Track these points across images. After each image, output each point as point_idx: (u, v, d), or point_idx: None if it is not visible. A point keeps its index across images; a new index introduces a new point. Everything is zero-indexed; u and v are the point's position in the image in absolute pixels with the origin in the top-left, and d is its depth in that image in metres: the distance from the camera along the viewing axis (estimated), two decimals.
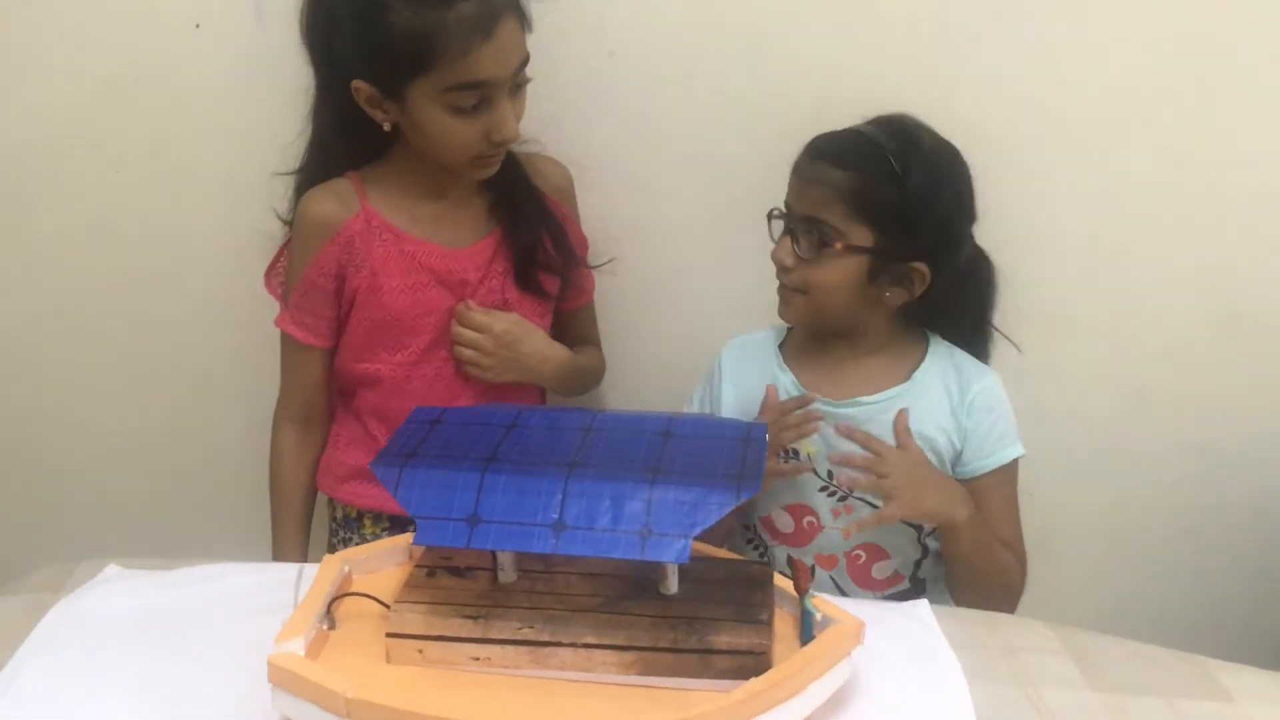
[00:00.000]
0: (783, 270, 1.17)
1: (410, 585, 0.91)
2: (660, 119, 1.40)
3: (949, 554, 1.21)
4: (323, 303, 1.29)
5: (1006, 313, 1.28)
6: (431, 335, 1.29)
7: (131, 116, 1.43)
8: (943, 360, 1.22)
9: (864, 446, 1.17)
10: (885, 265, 1.14)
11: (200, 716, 0.86)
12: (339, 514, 1.40)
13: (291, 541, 1.36)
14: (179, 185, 1.46)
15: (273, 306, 1.34)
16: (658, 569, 0.90)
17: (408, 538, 1.00)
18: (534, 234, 1.31)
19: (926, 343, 1.24)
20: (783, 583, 0.94)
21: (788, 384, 1.24)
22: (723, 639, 0.85)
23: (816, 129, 1.18)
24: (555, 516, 0.85)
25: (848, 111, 1.19)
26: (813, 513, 1.23)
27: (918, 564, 1.24)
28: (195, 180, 1.46)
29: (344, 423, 1.38)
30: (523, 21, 1.19)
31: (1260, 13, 1.30)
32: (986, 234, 1.21)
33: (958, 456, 1.21)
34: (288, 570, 1.03)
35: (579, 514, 0.85)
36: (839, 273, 1.14)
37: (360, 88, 1.19)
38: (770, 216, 1.20)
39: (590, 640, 0.85)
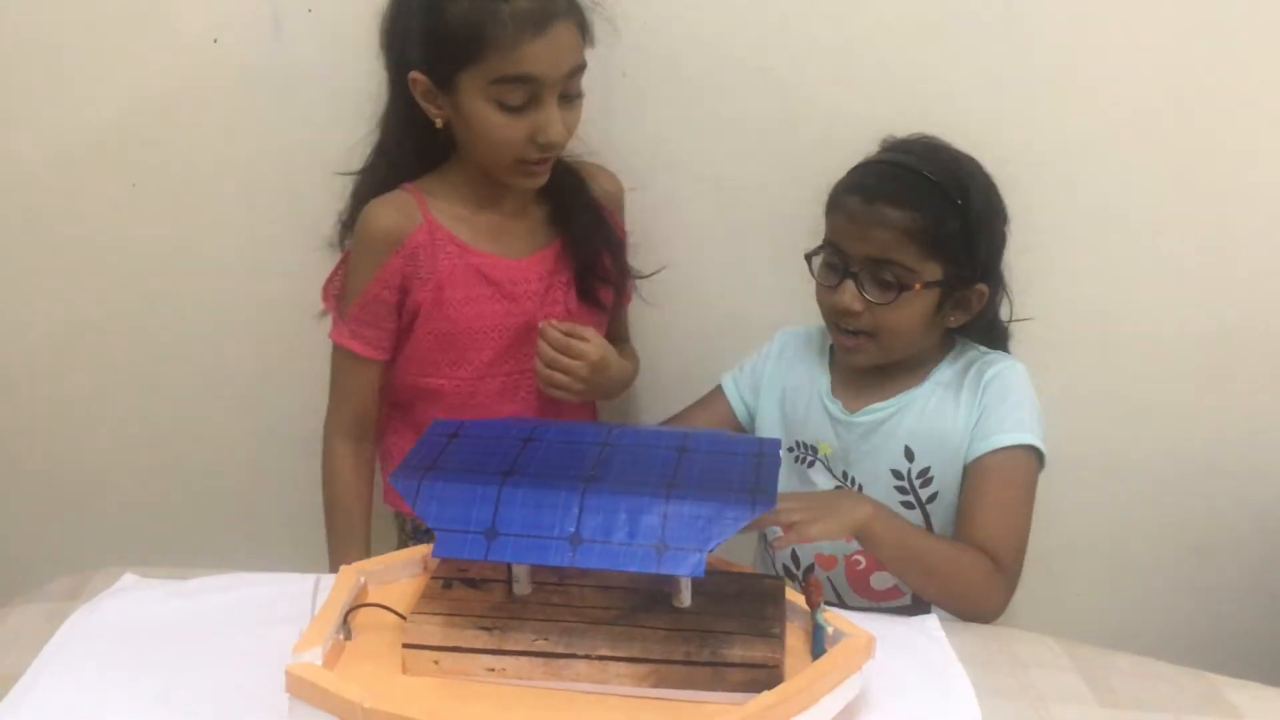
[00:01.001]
0: (849, 316, 1.15)
1: (426, 597, 0.92)
2: (673, 137, 1.41)
3: (886, 565, 1.13)
4: (384, 316, 1.27)
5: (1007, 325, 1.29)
6: (494, 350, 1.28)
7: (148, 129, 1.44)
8: (966, 358, 1.22)
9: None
10: (952, 293, 1.15)
11: None
12: (408, 527, 1.39)
13: (353, 555, 1.28)
14: (196, 197, 1.47)
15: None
16: (671, 582, 0.91)
17: (424, 549, 1.01)
18: (594, 247, 1.31)
19: (952, 344, 1.24)
20: (794, 597, 0.95)
21: (822, 388, 1.25)
22: (735, 652, 0.86)
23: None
24: (572, 530, 0.86)
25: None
26: None
27: None
28: (212, 191, 1.47)
29: (404, 436, 1.35)
30: (582, 29, 1.19)
31: (1264, 27, 1.31)
32: None
33: (969, 447, 1.18)
34: (304, 581, 1.04)
35: (595, 528, 0.86)
36: (913, 311, 1.14)
37: (417, 79, 1.20)
38: (810, 257, 1.19)
39: (604, 652, 0.86)
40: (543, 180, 1.25)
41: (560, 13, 1.16)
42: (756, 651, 0.86)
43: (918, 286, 1.13)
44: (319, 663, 0.85)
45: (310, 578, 1.04)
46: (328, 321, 1.34)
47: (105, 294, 1.52)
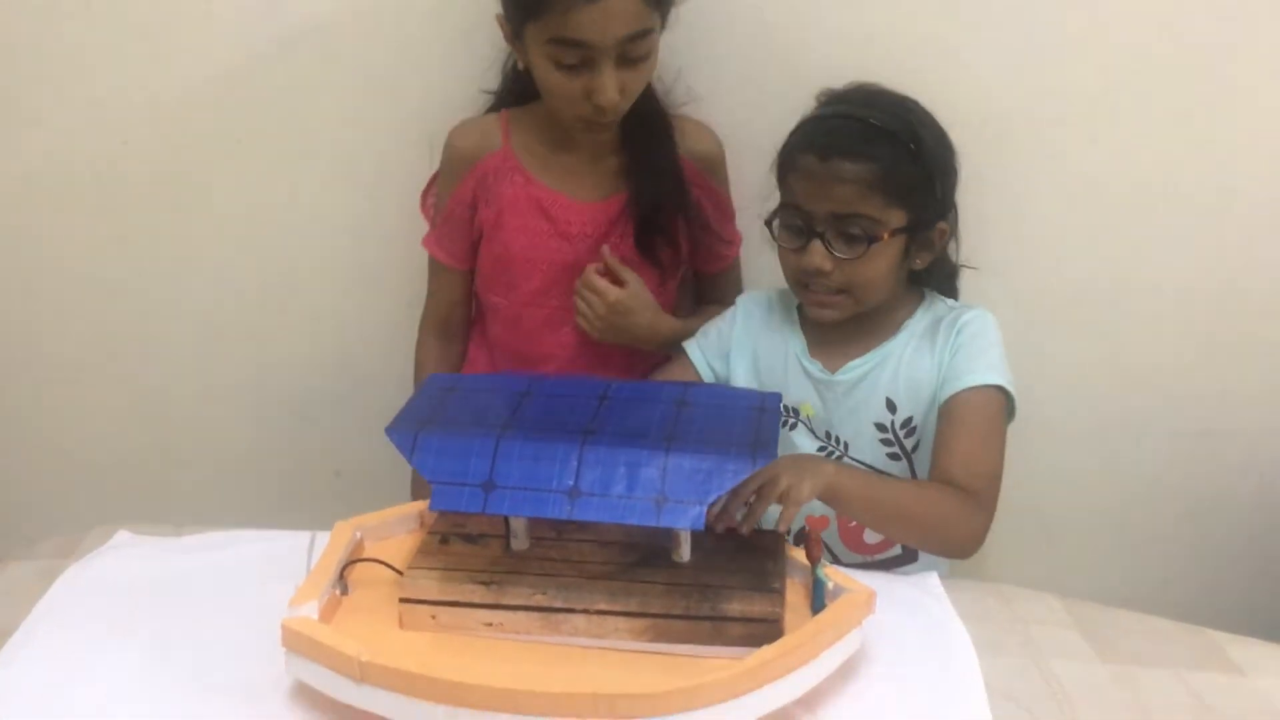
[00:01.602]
0: (819, 275, 1.15)
1: (423, 551, 0.92)
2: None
3: (857, 518, 1.14)
4: (460, 230, 1.34)
5: (1007, 293, 1.28)
6: (541, 282, 1.32)
7: (140, 75, 1.42)
8: (937, 310, 1.23)
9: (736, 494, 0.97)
10: (918, 237, 1.16)
11: (212, 681, 0.87)
12: None
13: None
14: (186, 151, 1.45)
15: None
16: (670, 537, 0.90)
17: (420, 505, 1.00)
18: (661, 205, 1.30)
19: (922, 296, 1.25)
20: (794, 552, 0.95)
21: (799, 350, 1.24)
22: (735, 607, 0.85)
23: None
24: (571, 483, 0.85)
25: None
26: None
27: None
28: (204, 158, 1.45)
29: (480, 347, 1.42)
30: None
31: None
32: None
33: (941, 388, 1.18)
34: (299, 537, 1.03)
35: (594, 481, 0.85)
36: (883, 260, 1.14)
37: (502, 23, 1.22)
38: (770, 222, 1.18)
39: (603, 607, 0.86)
40: (604, 135, 1.26)
41: None
42: (756, 606, 0.85)
43: (885, 236, 1.12)
44: (315, 617, 0.85)
45: (306, 534, 1.03)
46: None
47: (98, 259, 1.50)
